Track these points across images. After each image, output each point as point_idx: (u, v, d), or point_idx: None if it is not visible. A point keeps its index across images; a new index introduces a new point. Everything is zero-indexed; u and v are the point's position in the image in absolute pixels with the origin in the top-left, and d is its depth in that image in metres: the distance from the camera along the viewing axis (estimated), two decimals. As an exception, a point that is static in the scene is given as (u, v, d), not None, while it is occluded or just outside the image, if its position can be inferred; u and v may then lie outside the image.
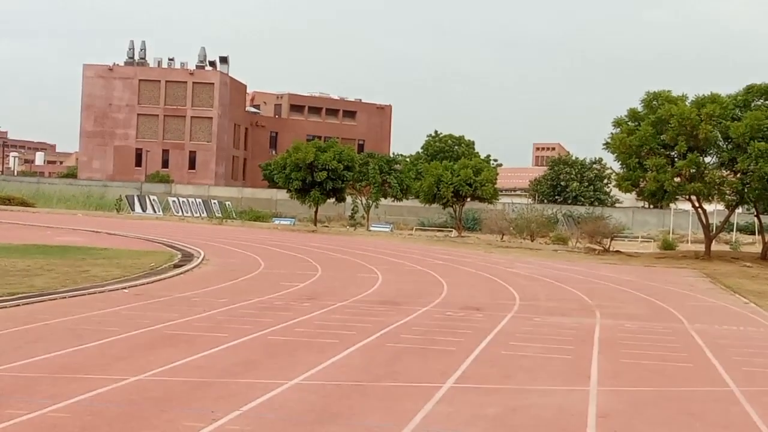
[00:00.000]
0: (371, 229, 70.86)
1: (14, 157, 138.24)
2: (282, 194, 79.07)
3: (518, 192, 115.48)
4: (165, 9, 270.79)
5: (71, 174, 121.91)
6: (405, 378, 12.64)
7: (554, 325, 19.35)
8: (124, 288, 22.52)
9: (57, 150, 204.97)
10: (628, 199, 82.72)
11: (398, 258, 40.14)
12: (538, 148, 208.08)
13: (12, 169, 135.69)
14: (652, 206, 77.07)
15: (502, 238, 63.53)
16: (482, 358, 14.61)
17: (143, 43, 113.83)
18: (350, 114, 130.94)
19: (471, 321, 19.44)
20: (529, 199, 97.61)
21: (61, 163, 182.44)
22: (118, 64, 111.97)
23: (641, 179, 48.87)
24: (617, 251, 53.24)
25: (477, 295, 25.31)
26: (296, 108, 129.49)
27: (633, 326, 19.89)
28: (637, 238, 68.91)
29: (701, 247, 53.44)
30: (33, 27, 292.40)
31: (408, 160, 79.67)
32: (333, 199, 70.56)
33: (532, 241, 62.76)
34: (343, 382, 12.08)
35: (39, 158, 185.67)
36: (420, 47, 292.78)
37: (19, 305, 18.39)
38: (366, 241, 55.30)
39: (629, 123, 50.06)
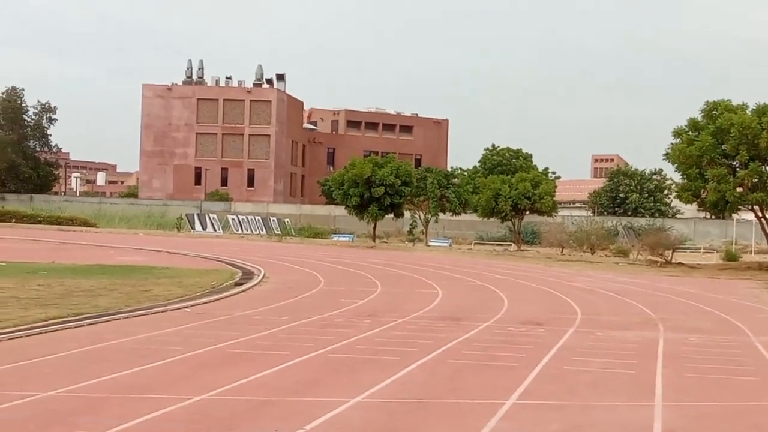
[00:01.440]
0: (430, 244, 70.76)
1: (76, 178, 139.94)
2: (340, 210, 79.23)
3: (577, 204, 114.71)
4: (221, 28, 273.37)
5: (132, 194, 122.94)
6: (467, 394, 12.59)
7: (617, 340, 19.18)
8: (187, 307, 22.69)
9: (118, 170, 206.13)
10: (689, 210, 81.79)
11: (458, 273, 40.05)
12: (596, 160, 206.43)
13: (74, 190, 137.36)
14: (714, 217, 76.08)
15: (561, 252, 63.15)
16: (544, 374, 14.52)
17: (201, 62, 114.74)
18: (407, 129, 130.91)
19: (532, 336, 19.35)
20: (589, 212, 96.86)
21: (122, 183, 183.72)
22: (176, 84, 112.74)
23: (702, 189, 48.38)
24: (679, 263, 52.68)
25: (538, 309, 25.19)
26: (353, 124, 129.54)
27: (697, 339, 19.65)
28: (700, 249, 68.18)
29: (766, 258, 52.68)
30: (92, 47, 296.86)
31: (465, 174, 79.42)
32: (391, 215, 70.52)
33: (592, 254, 62.34)
34: (406, 400, 12.04)
35: (100, 178, 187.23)
36: (475, 60, 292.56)
37: (83, 325, 18.62)
38: (425, 256, 55.22)
39: (689, 133, 49.61)
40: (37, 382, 12.47)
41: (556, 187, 73.25)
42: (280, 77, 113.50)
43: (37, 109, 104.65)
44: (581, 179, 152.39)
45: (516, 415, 11.36)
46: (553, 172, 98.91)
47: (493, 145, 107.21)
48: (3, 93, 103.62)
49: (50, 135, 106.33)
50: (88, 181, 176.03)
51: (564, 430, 10.70)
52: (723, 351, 17.99)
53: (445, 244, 71.22)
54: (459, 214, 72.71)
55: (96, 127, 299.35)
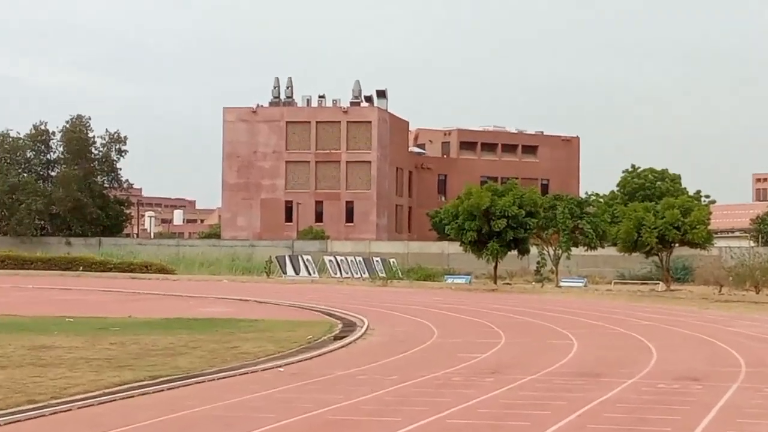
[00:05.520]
0: (561, 284, 70.45)
1: (150, 217, 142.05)
2: (454, 247, 79.16)
3: (737, 233, 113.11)
4: (312, 38, 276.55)
5: (214, 233, 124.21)
6: (612, 467, 12.49)
7: (791, 397, 18.80)
8: (279, 366, 22.88)
9: (197, 206, 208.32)
10: None
11: (595, 319, 39.81)
12: (758, 179, 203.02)
13: (148, 231, 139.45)
14: None
15: (719, 291, 61.97)
16: (704, 441, 14.25)
17: (289, 79, 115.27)
18: (531, 149, 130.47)
19: (688, 394, 19.12)
20: (751, 242, 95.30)
21: (202, 221, 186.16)
22: (262, 106, 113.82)
23: None
24: None
25: (693, 361, 24.89)
26: (467, 145, 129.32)
27: None
28: None
29: None
30: (165, 68, 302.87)
31: (602, 200, 78.84)
32: (515, 251, 70.28)
33: (757, 293, 61.05)
34: (539, 474, 12.00)
35: (177, 217, 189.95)
36: (603, 70, 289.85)
37: (163, 390, 18.88)
38: (556, 299, 55.13)
39: None
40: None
41: (710, 213, 72.33)
42: (381, 94, 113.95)
43: (104, 139, 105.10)
44: (741, 203, 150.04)
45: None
46: (707, 196, 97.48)
47: (634, 166, 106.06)
48: (67, 122, 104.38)
49: (120, 169, 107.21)
50: (163, 221, 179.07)
51: None
52: None
53: (580, 285, 70.96)
54: (595, 248, 72.14)
55: (172, 158, 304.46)
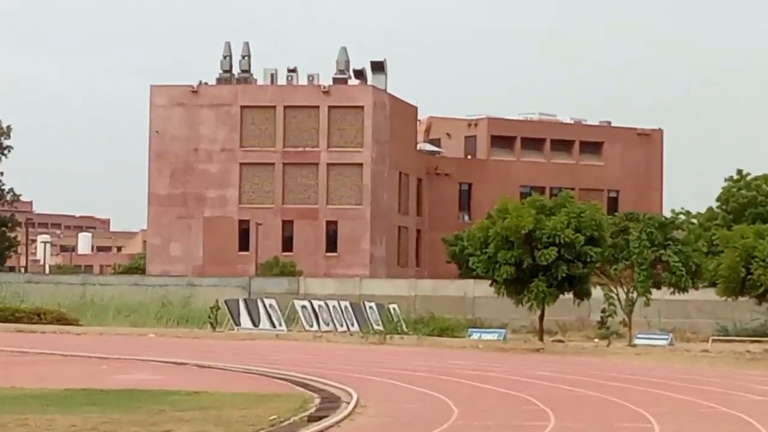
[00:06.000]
0: (637, 342, 70.54)
1: (44, 243, 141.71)
2: (483, 288, 79.54)
3: None
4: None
5: (136, 267, 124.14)
6: None
7: None
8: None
9: (112, 228, 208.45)
10: None
11: (685, 392, 39.69)
12: None
13: (42, 262, 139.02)
14: None
15: None
16: None
17: (245, 46, 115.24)
18: (593, 148, 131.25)
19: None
20: None
21: (119, 249, 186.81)
22: (206, 83, 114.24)
23: None
24: None
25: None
26: (501, 142, 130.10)
27: None
28: None
29: None
30: (63, 32, 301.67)
31: (695, 222, 78.55)
32: (569, 294, 70.20)
33: None
34: None
35: (83, 243, 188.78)
36: (696, 36, 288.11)
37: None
38: (629, 364, 54.98)
39: None
40: None
41: None
42: (378, 67, 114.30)
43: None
44: None
45: None
46: None
47: (741, 173, 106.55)
48: None
49: (1, 174, 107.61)
50: (63, 249, 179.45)
51: None
52: None
53: (663, 343, 71.28)
54: (685, 290, 72.17)
55: (75, 160, 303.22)
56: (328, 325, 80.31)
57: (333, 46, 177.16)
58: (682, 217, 79.67)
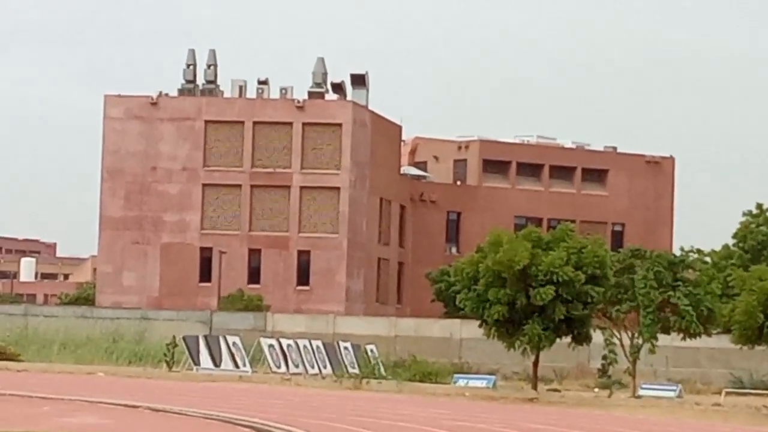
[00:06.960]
0: (641, 393, 70.95)
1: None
2: (471, 329, 78.77)
3: None
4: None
5: (84, 297, 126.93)
6: None
7: None
8: None
9: (58, 254, 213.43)
10: None
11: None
12: None
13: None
14: None
15: None
16: None
17: (212, 54, 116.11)
18: (597, 176, 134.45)
19: None
20: None
21: (66, 277, 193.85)
22: (166, 94, 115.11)
23: None
24: None
25: None
26: (494, 166, 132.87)
27: None
28: None
29: None
30: (7, 37, 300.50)
31: (708, 261, 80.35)
32: (567, 338, 68.82)
33: None
34: None
35: (25, 269, 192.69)
36: (713, 44, 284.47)
37: None
38: (632, 418, 54.65)
39: None
40: None
41: None
42: (359, 80, 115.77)
43: None
44: None
45: None
46: None
47: (760, 207, 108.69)
48: None
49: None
50: (3, 275, 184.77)
51: None
52: None
53: (670, 394, 72.16)
54: (696, 336, 71.00)
55: (17, 176, 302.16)
56: (297, 366, 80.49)
57: (309, 56, 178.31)
58: (694, 255, 79.58)
